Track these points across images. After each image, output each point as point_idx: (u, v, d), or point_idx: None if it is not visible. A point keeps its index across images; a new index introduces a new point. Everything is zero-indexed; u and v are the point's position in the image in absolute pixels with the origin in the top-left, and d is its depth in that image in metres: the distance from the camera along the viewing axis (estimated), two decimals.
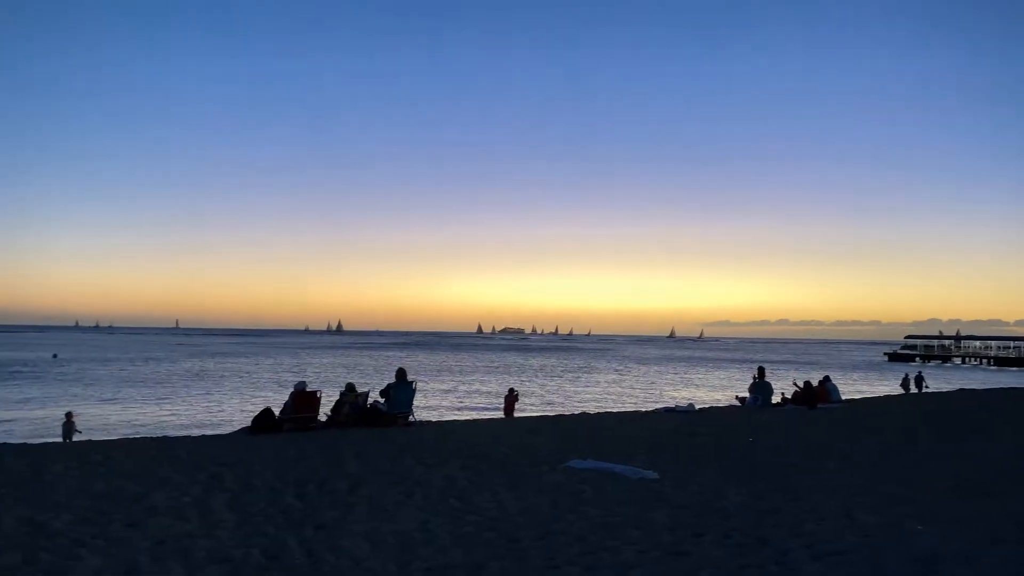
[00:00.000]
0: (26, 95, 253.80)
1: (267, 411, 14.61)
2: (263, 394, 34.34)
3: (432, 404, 30.90)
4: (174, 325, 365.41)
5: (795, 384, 21.95)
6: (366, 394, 15.90)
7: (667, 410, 20.42)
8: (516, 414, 22.12)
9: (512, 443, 12.19)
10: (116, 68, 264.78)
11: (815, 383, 21.90)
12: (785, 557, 5.37)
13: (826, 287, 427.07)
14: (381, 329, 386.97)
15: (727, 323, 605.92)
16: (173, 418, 26.39)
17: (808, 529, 6.22)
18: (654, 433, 14.05)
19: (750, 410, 19.82)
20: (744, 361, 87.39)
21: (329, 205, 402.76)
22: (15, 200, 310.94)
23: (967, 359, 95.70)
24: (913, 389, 36.49)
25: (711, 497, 7.69)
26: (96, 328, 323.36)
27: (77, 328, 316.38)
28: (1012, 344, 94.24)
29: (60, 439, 17.10)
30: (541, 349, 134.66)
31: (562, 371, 62.43)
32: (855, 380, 54.13)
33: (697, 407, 21.22)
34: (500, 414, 22.99)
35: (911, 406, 23.48)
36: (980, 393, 32.65)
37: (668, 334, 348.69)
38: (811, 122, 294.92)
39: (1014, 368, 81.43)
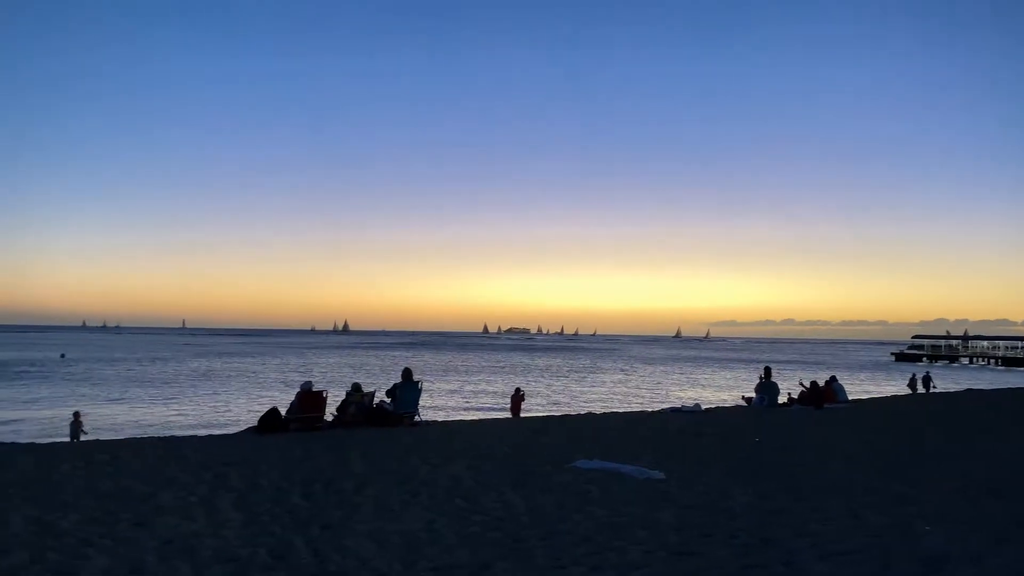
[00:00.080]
0: (26, 95, 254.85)
1: (273, 411, 14.64)
2: (269, 394, 34.39)
3: (438, 404, 30.90)
4: (181, 325, 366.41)
5: (801, 384, 21.90)
6: (372, 394, 15.92)
7: (673, 410, 20.40)
8: (522, 414, 22.14)
9: (518, 443, 12.19)
10: (116, 68, 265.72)
11: (821, 383, 21.85)
12: (792, 557, 5.35)
13: (832, 287, 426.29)
14: (387, 329, 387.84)
15: (733, 323, 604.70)
16: (180, 418, 26.46)
17: (815, 529, 6.20)
18: (660, 433, 14.04)
19: (756, 410, 19.78)
20: (750, 361, 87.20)
21: (333, 205, 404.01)
22: (21, 201, 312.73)
23: (975, 359, 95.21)
24: (920, 389, 36.34)
25: (717, 497, 7.67)
26: (103, 328, 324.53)
27: (84, 328, 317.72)
28: (1020, 344, 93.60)
29: (68, 439, 17.17)
30: (547, 349, 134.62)
31: (568, 371, 62.40)
32: (862, 380, 53.96)
33: (703, 407, 21.18)
34: (506, 414, 23.01)
35: (918, 406, 23.40)
36: (988, 393, 32.55)
37: (674, 334, 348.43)
38: (814, 121, 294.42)
39: (1022, 368, 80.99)
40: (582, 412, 24.44)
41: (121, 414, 27.30)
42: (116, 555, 5.47)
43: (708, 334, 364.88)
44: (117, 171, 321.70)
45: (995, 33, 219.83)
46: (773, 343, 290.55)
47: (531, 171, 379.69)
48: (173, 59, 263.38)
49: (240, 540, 5.96)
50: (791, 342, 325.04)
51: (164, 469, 9.17)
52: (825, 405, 19.98)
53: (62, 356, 68.82)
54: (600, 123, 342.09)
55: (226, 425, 22.46)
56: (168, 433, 17.73)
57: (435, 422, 17.45)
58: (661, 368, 70.82)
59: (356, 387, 16.01)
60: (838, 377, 24.05)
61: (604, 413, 22.47)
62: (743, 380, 49.60)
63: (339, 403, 15.42)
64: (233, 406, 30.41)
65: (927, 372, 39.89)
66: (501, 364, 72.38)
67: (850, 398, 23.32)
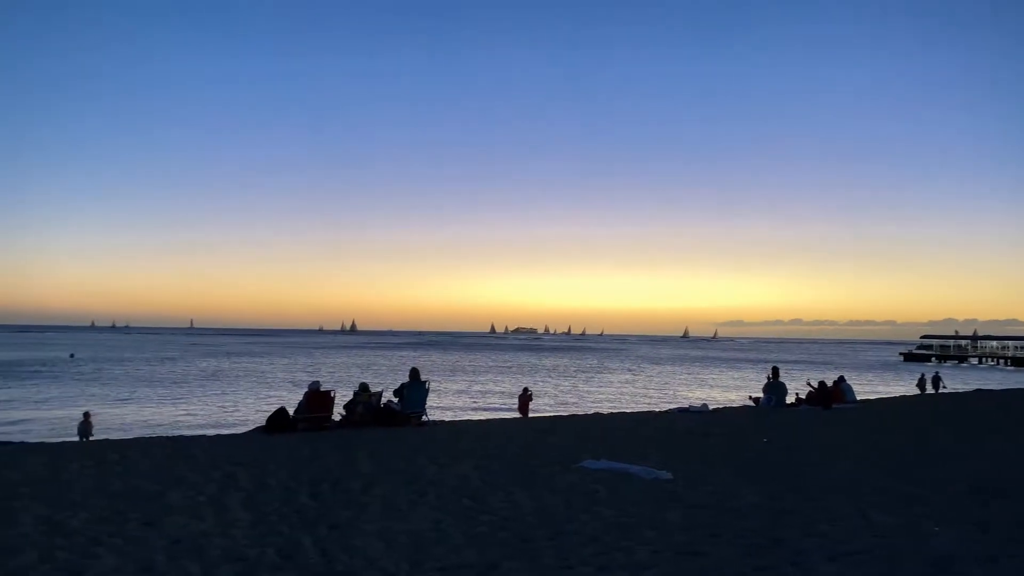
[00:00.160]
0: (26, 95, 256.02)
1: (281, 411, 14.67)
2: (277, 394, 34.50)
3: (445, 404, 30.95)
4: (189, 325, 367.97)
5: (809, 384, 21.82)
6: (380, 394, 15.94)
7: (681, 410, 20.36)
8: (530, 414, 22.14)
9: (525, 443, 12.19)
10: (116, 68, 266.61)
11: (830, 383, 21.75)
12: (800, 557, 5.34)
13: (840, 287, 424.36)
14: (395, 329, 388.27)
15: (741, 323, 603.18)
16: (188, 418, 26.58)
17: (823, 529, 6.19)
18: (668, 433, 14.01)
19: (764, 410, 19.72)
20: (758, 361, 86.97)
21: (333, 205, 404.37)
22: (24, 201, 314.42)
23: (984, 359, 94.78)
24: (929, 389, 36.20)
25: (725, 497, 7.66)
26: (112, 328, 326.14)
27: (93, 328, 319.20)
28: None
29: (76, 439, 17.25)
30: (554, 349, 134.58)
31: (575, 371, 62.38)
32: (870, 380, 53.76)
33: (711, 407, 21.14)
34: (513, 414, 23.02)
35: (927, 406, 23.31)
36: (997, 394, 32.37)
37: (682, 334, 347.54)
38: (814, 121, 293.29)
39: None
40: (589, 412, 24.43)
41: (130, 414, 27.43)
42: (125, 554, 5.50)
43: (716, 334, 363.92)
44: (117, 171, 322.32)
45: (995, 33, 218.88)
46: (781, 343, 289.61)
47: (531, 171, 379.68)
48: (173, 59, 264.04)
49: (248, 540, 5.98)
50: (799, 342, 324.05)
51: (173, 469, 9.20)
52: (833, 405, 19.90)
53: (71, 356, 69.20)
54: (600, 123, 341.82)
55: (234, 425, 22.55)
56: (177, 433, 17.80)
57: (442, 422, 17.47)
58: (669, 368, 70.72)
59: (364, 387, 16.04)
60: (846, 377, 23.94)
61: (611, 413, 22.45)
62: (751, 380, 49.47)
63: (347, 403, 15.45)
64: (241, 406, 30.53)
65: (936, 372, 39.72)
66: (508, 364, 72.39)
67: (858, 398, 23.20)
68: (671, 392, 41.91)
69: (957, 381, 46.69)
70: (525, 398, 22.80)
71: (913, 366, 74.91)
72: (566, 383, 47.98)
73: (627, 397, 38.15)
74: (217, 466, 9.37)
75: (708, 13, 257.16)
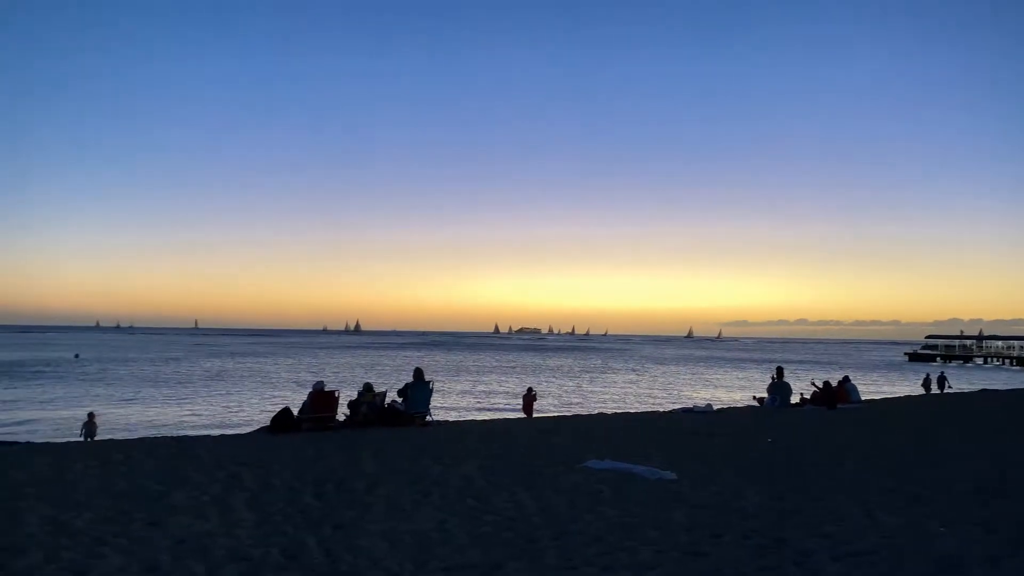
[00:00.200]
0: (26, 95, 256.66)
1: (286, 411, 14.69)
2: (282, 394, 34.56)
3: (450, 404, 30.96)
4: (193, 325, 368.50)
5: (814, 384, 21.79)
6: (384, 394, 15.95)
7: (685, 410, 20.35)
8: (534, 414, 22.15)
9: (529, 443, 12.19)
10: (116, 68, 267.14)
11: (834, 383, 21.73)
12: (804, 558, 5.33)
13: (845, 286, 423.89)
14: (399, 329, 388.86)
15: (745, 323, 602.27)
16: (193, 418, 26.63)
17: (827, 530, 6.17)
18: (672, 434, 14.00)
19: (769, 411, 19.70)
20: (762, 361, 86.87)
21: (333, 205, 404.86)
22: (29, 202, 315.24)
23: (989, 359, 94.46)
24: (935, 389, 36.09)
25: (730, 498, 7.65)
26: (117, 328, 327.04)
27: (98, 328, 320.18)
28: None
29: (80, 439, 17.30)
30: (558, 349, 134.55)
31: (579, 371, 62.36)
32: (875, 380, 53.66)
33: (715, 407, 21.12)
34: (518, 414, 23.02)
35: (932, 407, 23.24)
36: (1003, 394, 32.29)
37: (686, 334, 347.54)
38: (813, 121, 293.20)
39: None
40: (593, 412, 24.44)
41: (134, 414, 27.50)
42: (130, 554, 5.51)
43: (720, 334, 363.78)
44: (118, 171, 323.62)
45: (995, 33, 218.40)
46: (785, 343, 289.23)
47: (531, 171, 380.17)
48: (173, 59, 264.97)
49: (253, 540, 5.99)
50: (804, 342, 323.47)
51: (177, 469, 9.22)
52: (838, 405, 19.86)
53: (76, 356, 69.40)
54: (600, 123, 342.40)
55: (239, 425, 22.60)
56: (181, 433, 17.85)
57: (447, 422, 17.48)
58: (673, 368, 70.66)
59: (368, 387, 16.05)
60: (851, 377, 23.92)
61: (615, 413, 22.45)
62: (755, 380, 49.42)
63: (351, 403, 15.47)
64: (246, 406, 30.58)
65: (942, 372, 39.61)
66: (513, 364, 72.39)
67: (863, 398, 23.18)
68: (675, 392, 41.87)
69: (962, 381, 46.58)
70: (529, 398, 22.81)
71: (918, 366, 74.71)
72: (570, 383, 47.98)
73: (631, 397, 38.13)
74: (221, 466, 9.38)
75: (708, 13, 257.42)
